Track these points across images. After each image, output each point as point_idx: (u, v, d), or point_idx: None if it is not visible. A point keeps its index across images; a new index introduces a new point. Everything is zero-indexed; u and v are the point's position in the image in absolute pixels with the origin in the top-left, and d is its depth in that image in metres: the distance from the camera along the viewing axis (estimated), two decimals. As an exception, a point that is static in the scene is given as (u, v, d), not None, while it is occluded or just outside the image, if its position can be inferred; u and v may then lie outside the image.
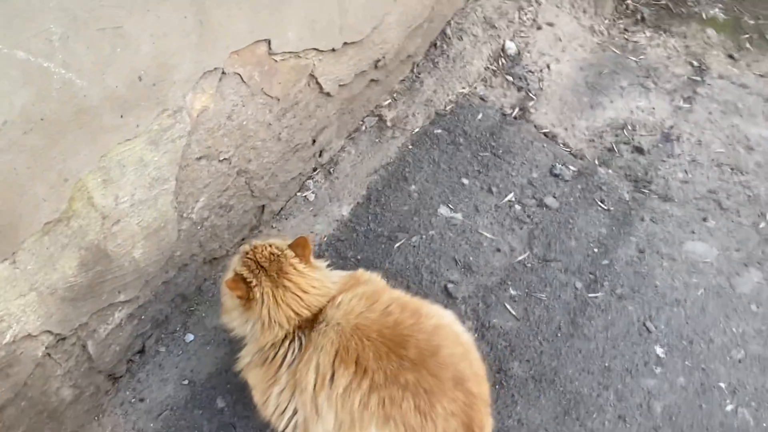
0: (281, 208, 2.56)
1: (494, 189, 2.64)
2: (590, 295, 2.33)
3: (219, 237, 2.27)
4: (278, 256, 1.72)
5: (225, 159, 2.10)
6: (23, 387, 1.70)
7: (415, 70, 3.09)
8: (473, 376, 1.63)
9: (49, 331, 1.69)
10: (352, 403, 1.55)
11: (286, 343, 1.68)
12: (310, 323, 1.68)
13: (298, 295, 1.68)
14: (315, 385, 1.60)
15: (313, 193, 2.63)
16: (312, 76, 2.35)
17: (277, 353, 1.68)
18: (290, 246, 1.74)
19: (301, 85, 2.31)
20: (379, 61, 2.73)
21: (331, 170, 2.71)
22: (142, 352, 2.15)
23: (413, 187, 2.65)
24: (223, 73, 1.91)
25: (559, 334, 2.22)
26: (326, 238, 2.49)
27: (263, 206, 2.45)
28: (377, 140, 2.83)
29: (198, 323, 2.25)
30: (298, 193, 2.62)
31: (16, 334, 1.60)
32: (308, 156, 2.58)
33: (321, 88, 2.43)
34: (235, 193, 2.24)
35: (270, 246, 1.74)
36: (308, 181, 2.66)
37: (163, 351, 2.18)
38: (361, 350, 1.57)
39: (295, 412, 1.66)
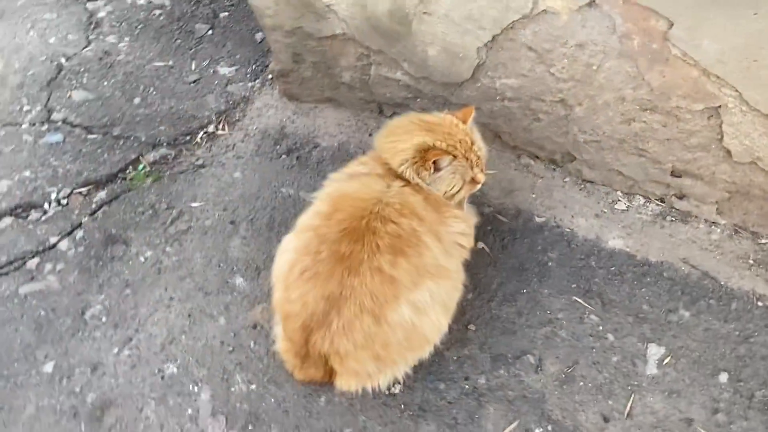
0: (591, 181, 2.32)
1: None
2: None
3: (510, 124, 2.29)
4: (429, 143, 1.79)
5: (553, 75, 2.02)
6: (325, 39, 2.34)
7: None
8: (362, 350, 1.62)
9: (346, 25, 2.25)
10: (307, 224, 1.75)
11: (364, 160, 1.89)
12: (383, 172, 1.81)
13: (399, 157, 1.79)
14: (323, 195, 1.83)
15: (626, 205, 2.26)
16: (717, 113, 1.85)
17: (359, 159, 1.93)
18: (425, 156, 1.77)
19: (693, 108, 1.87)
20: None
21: (672, 218, 2.22)
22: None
23: (685, 312, 2.03)
24: (594, 2, 1.76)
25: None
26: (558, 252, 2.23)
27: (574, 157, 2.28)
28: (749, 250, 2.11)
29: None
30: (618, 192, 2.29)
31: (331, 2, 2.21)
32: (658, 176, 2.16)
33: (721, 137, 1.90)
34: (547, 113, 2.16)
35: (446, 137, 1.79)
36: (638, 197, 2.27)
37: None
38: (344, 214, 1.68)
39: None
